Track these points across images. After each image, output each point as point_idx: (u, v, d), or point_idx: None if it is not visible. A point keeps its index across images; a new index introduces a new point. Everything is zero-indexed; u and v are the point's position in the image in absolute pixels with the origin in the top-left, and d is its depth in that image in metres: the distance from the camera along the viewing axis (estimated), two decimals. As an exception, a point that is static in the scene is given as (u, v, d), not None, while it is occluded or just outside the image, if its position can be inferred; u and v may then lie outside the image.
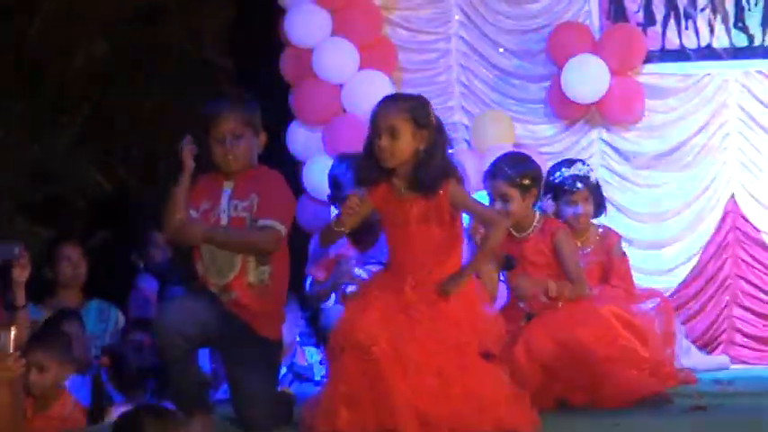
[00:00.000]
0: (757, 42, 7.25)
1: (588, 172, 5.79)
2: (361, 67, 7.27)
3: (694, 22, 7.30)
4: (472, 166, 7.02)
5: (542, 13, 7.50)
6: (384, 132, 4.31)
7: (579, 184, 5.69)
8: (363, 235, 5.36)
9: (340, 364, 4.25)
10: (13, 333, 4.34)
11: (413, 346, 4.19)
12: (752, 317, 7.21)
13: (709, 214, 7.29)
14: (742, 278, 7.25)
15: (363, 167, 4.42)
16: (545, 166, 5.93)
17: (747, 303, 7.23)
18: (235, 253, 4.65)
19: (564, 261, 5.10)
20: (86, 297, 6.61)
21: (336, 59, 7.33)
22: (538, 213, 5.18)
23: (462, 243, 4.47)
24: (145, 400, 5.87)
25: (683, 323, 6.94)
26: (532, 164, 5.24)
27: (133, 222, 7.60)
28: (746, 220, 7.26)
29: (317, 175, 6.93)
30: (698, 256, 7.28)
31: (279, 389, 5.00)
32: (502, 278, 5.21)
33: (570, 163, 5.91)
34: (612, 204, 6.88)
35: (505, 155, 5.42)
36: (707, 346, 7.11)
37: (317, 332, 6.02)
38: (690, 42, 7.31)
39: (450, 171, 4.37)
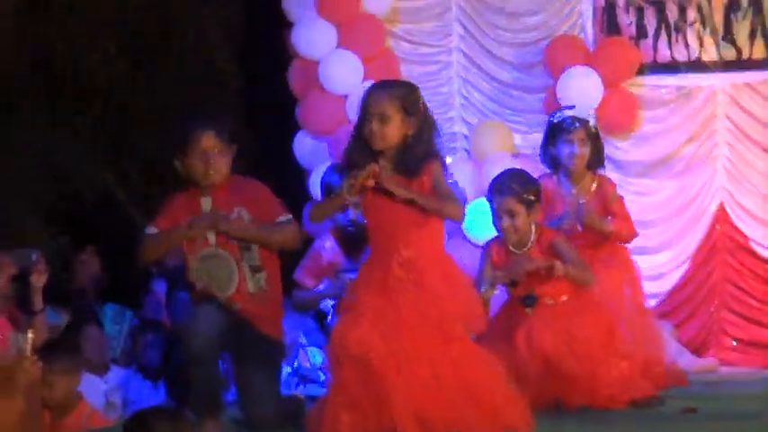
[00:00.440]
0: (745, 55, 7.47)
1: (588, 117, 5.86)
2: (365, 79, 7.36)
3: (684, 36, 7.52)
4: (471, 175, 7.27)
5: (539, 27, 7.68)
6: (374, 117, 4.42)
7: (577, 124, 5.75)
8: (356, 241, 5.54)
9: (338, 374, 4.38)
10: (30, 337, 4.44)
11: (404, 338, 4.30)
12: (741, 321, 7.40)
13: (699, 222, 7.48)
14: (731, 283, 7.43)
15: (353, 149, 4.53)
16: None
17: (736, 308, 7.41)
18: (230, 267, 4.77)
19: (566, 258, 5.15)
20: (101, 300, 6.81)
21: (342, 71, 7.46)
22: (533, 226, 5.28)
23: (443, 223, 4.57)
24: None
25: (674, 327, 7.17)
26: (535, 180, 5.38)
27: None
28: (735, 228, 7.46)
29: (323, 183, 7.05)
30: (688, 262, 7.49)
31: (289, 393, 5.15)
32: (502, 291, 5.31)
33: (571, 108, 6.01)
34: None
35: (509, 171, 5.49)
36: (697, 349, 7.28)
37: (326, 332, 6.14)
38: (680, 55, 7.53)
39: (433, 154, 4.50)
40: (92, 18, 8.42)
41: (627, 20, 7.58)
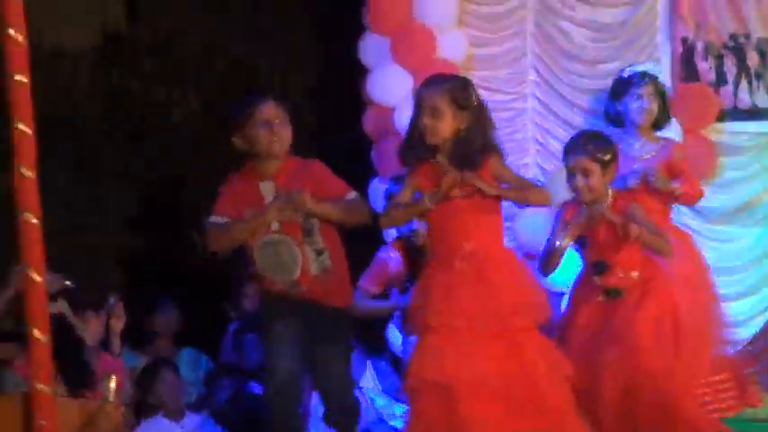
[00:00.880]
0: (826, 102, 7.40)
1: (658, 73, 5.84)
2: (440, 125, 7.44)
3: (765, 82, 7.46)
4: (547, 221, 7.22)
5: (616, 73, 7.68)
6: (426, 112, 4.49)
7: (646, 79, 5.71)
8: (418, 253, 5.55)
9: (417, 404, 4.43)
10: (114, 382, 4.43)
11: (466, 337, 4.35)
12: (822, 370, 7.29)
13: (780, 269, 7.38)
14: (812, 332, 7.32)
15: (408, 145, 4.59)
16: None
17: (817, 356, 7.31)
18: (295, 250, 4.71)
19: (642, 224, 5.08)
20: (178, 345, 6.87)
21: (417, 118, 7.54)
22: (610, 191, 5.23)
23: (502, 217, 4.61)
24: None
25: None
26: (612, 141, 5.32)
27: (225, 274, 7.75)
28: (816, 276, 7.34)
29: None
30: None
31: None
32: (576, 250, 5.29)
33: (641, 64, 5.97)
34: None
35: (586, 131, 5.49)
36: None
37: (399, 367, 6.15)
38: (761, 101, 7.46)
39: (491, 147, 4.54)
40: (177, 76, 8.58)
41: (706, 66, 7.54)
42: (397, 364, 6.42)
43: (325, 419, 4.85)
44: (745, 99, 7.50)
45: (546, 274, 5.31)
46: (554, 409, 4.40)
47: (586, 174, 5.15)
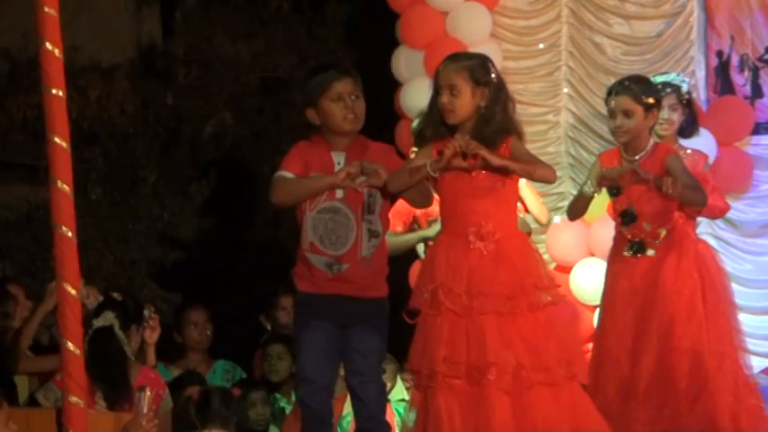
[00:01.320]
0: None
1: (681, 83, 5.70)
2: (473, 139, 7.45)
3: (801, 96, 7.46)
4: (580, 236, 7.22)
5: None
6: (444, 90, 4.39)
7: (668, 89, 5.59)
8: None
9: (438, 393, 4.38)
10: (147, 394, 4.50)
11: (476, 319, 4.32)
12: None
13: (817, 282, 7.31)
14: None
15: (428, 124, 4.49)
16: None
17: None
18: (352, 223, 4.56)
19: (678, 175, 5.03)
20: (213, 357, 6.88)
21: (450, 132, 7.56)
22: (651, 140, 5.20)
23: (517, 198, 4.59)
24: None
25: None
26: (658, 88, 5.32)
27: (261, 286, 7.76)
28: None
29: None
30: (803, 323, 7.30)
31: None
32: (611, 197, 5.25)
33: (664, 74, 5.91)
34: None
35: (632, 75, 5.48)
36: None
37: None
38: (797, 114, 7.45)
39: (511, 127, 4.44)
40: (211, 89, 8.64)
41: (741, 80, 7.51)
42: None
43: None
44: (780, 112, 7.48)
45: (572, 219, 5.46)
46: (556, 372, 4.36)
47: (628, 114, 5.11)
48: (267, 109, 8.59)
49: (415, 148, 4.79)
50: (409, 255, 6.99)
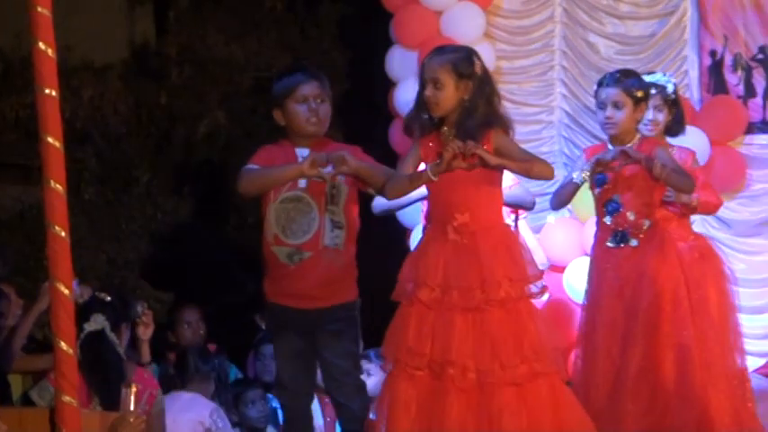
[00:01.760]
0: None
1: (666, 83, 5.73)
2: (467, 139, 7.45)
3: (795, 95, 7.46)
4: (573, 235, 7.23)
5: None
6: (429, 83, 4.39)
7: (653, 90, 5.60)
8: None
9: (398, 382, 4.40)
10: (133, 390, 4.39)
11: (454, 316, 4.31)
12: None
13: (810, 281, 7.32)
14: (844, 344, 7.27)
15: (413, 118, 4.50)
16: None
17: None
18: (311, 214, 4.64)
19: (666, 162, 5.10)
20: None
21: (443, 131, 7.56)
22: (639, 134, 5.26)
23: (500, 191, 4.53)
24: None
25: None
26: (647, 82, 5.39)
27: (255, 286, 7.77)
28: None
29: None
30: (797, 322, 7.31)
31: None
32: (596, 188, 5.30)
33: (650, 74, 5.91)
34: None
35: (622, 69, 5.53)
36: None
37: None
38: (790, 114, 7.46)
39: (494, 120, 4.43)
40: (204, 89, 8.63)
41: (734, 79, 7.53)
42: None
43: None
44: (774, 111, 7.49)
45: (556, 208, 5.46)
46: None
47: (618, 106, 5.19)
48: (260, 109, 8.58)
49: None
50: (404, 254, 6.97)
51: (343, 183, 4.70)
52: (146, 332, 5.76)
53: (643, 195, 5.19)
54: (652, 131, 5.61)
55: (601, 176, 5.23)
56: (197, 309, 6.97)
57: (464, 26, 7.66)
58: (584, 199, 5.60)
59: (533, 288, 4.44)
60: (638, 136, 5.26)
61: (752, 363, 6.18)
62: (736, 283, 5.88)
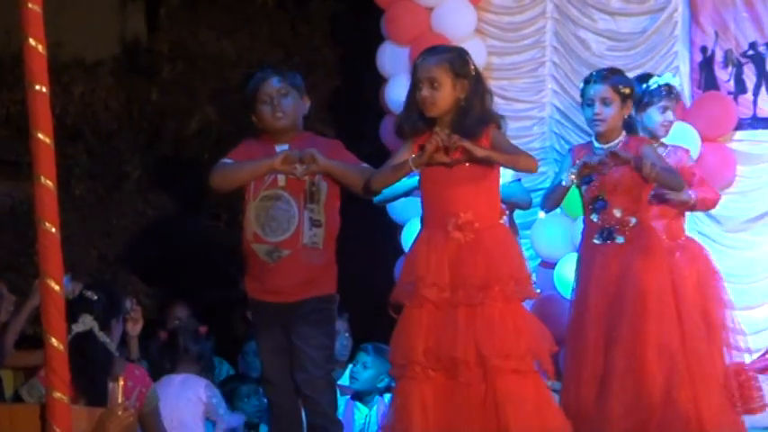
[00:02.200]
0: None
1: (672, 81, 5.91)
2: (458, 135, 7.45)
3: (786, 92, 7.45)
4: (564, 232, 7.24)
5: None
6: (425, 83, 4.41)
7: (673, 93, 5.79)
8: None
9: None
10: (121, 384, 4.42)
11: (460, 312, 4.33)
12: (841, 379, 7.25)
13: (800, 277, 7.31)
14: (833, 339, 7.27)
15: (406, 119, 4.52)
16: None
17: (838, 365, 7.26)
18: (290, 212, 4.70)
19: (654, 161, 5.14)
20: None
21: (434, 128, 7.55)
22: (624, 132, 5.29)
23: (498, 189, 4.57)
24: None
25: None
26: (631, 79, 5.46)
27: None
28: (837, 283, 7.28)
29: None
30: (788, 317, 7.30)
31: None
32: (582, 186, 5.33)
33: (650, 76, 5.99)
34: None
35: (609, 66, 5.62)
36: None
37: None
38: (781, 110, 7.45)
39: (489, 117, 4.48)
40: (195, 85, 8.62)
41: (725, 75, 7.52)
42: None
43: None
44: (764, 107, 7.47)
45: (546, 210, 5.53)
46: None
47: (606, 103, 5.22)
48: (249, 109, 8.58)
49: None
50: (396, 250, 6.99)
51: (323, 180, 4.73)
52: (134, 328, 5.76)
53: (630, 193, 5.21)
54: (668, 133, 5.69)
55: (588, 177, 5.25)
56: (187, 305, 6.97)
57: (455, 22, 7.66)
58: (576, 196, 5.62)
59: (530, 289, 4.51)
60: (623, 133, 5.28)
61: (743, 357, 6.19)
62: (725, 281, 5.93)
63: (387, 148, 7.73)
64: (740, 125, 7.48)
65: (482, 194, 4.46)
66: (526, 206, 6.03)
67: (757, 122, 7.51)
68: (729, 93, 7.52)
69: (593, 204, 5.24)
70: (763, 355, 7.09)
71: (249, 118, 4.98)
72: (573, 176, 5.22)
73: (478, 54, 7.73)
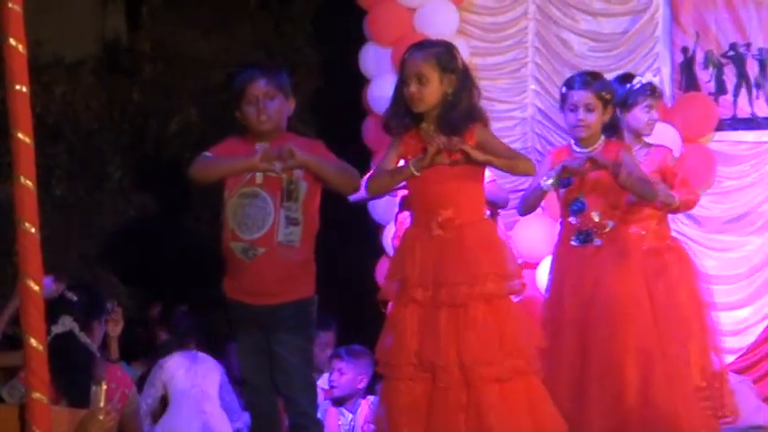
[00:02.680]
0: (826, 111, 7.38)
1: (653, 81, 5.94)
2: (440, 135, 7.46)
3: (765, 92, 7.46)
4: (546, 232, 7.24)
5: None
6: (412, 79, 4.39)
7: (657, 92, 5.81)
8: None
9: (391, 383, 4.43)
10: (104, 388, 4.38)
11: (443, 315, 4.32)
12: (824, 377, 7.25)
13: (781, 277, 7.34)
14: (814, 339, 7.28)
15: (393, 116, 4.51)
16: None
17: (819, 364, 7.27)
18: (266, 209, 4.69)
19: (632, 168, 5.15)
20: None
21: (416, 128, 7.56)
22: (603, 137, 5.31)
23: (483, 186, 4.56)
24: None
25: (754, 383, 7.03)
26: (610, 83, 5.46)
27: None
28: (818, 283, 7.31)
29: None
30: (769, 317, 7.34)
31: None
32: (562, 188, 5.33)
33: (632, 77, 6.00)
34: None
35: (589, 71, 5.63)
36: (776, 406, 7.17)
37: None
38: (760, 111, 7.46)
39: (476, 114, 4.46)
40: (176, 85, 8.60)
41: (706, 76, 7.55)
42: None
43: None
44: (744, 108, 7.50)
45: (523, 214, 5.48)
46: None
47: (590, 109, 5.23)
48: (233, 105, 8.57)
49: None
50: (377, 251, 6.98)
51: (302, 179, 4.72)
52: (114, 329, 5.77)
53: (608, 197, 5.22)
54: (652, 132, 5.71)
55: (567, 180, 5.26)
56: (168, 305, 6.96)
57: (438, 23, 7.66)
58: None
59: (516, 284, 4.45)
60: (602, 138, 5.29)
61: (725, 359, 6.21)
62: (708, 282, 5.95)
63: (369, 149, 7.76)
64: (720, 126, 7.52)
65: (465, 191, 4.45)
66: (504, 204, 6.04)
67: (737, 123, 7.55)
68: (710, 93, 7.56)
69: (571, 206, 5.25)
70: (743, 354, 7.14)
71: (233, 115, 4.96)
72: (551, 181, 5.23)
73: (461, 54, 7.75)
